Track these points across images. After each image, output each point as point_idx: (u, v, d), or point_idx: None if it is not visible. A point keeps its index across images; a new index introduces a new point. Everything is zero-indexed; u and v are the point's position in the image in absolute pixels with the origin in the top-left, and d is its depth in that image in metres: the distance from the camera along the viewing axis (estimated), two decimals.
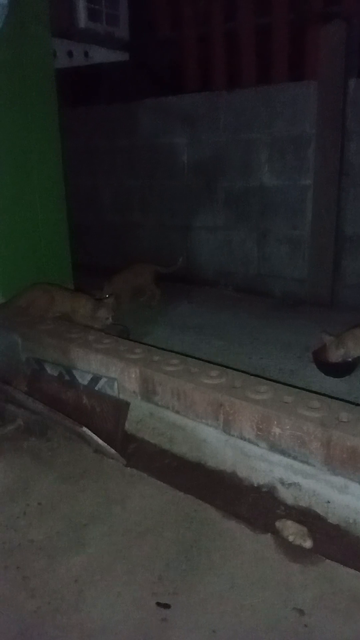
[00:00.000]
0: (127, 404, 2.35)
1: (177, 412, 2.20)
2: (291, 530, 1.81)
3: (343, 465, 1.74)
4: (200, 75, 4.50)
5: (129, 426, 2.39)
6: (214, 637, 1.46)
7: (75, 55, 3.45)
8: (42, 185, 3.15)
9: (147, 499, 2.01)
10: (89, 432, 2.17)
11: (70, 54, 3.43)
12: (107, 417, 2.34)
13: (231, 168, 4.15)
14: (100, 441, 2.17)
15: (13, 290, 3.06)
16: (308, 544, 1.76)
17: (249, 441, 1.98)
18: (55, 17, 3.09)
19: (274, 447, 1.91)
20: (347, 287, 3.79)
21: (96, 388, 2.43)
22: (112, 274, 3.64)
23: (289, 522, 1.84)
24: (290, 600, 1.57)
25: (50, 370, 2.62)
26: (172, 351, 2.51)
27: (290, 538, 1.78)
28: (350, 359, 2.59)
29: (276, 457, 1.92)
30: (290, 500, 1.93)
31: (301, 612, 1.52)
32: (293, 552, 1.74)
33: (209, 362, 2.38)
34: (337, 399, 1.99)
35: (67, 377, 2.54)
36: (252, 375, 2.20)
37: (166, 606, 1.55)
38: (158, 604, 1.56)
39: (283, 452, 1.89)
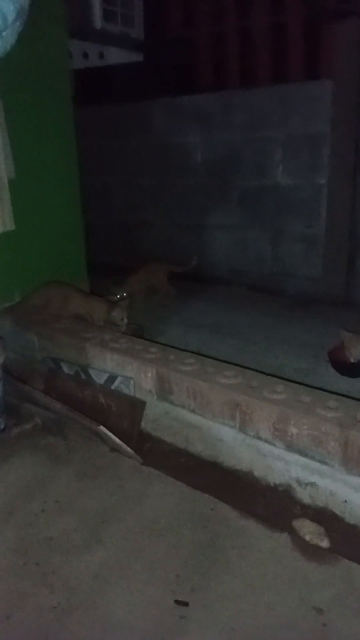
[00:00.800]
0: (143, 403, 2.36)
1: (193, 412, 2.21)
2: (308, 529, 1.81)
3: None
4: (214, 74, 4.50)
5: (145, 425, 2.40)
6: (233, 634, 1.47)
7: (91, 56, 3.47)
8: (58, 184, 3.18)
9: (164, 497, 2.03)
10: (106, 431, 2.18)
11: (85, 55, 3.45)
12: (123, 416, 2.36)
13: (245, 167, 4.14)
14: (116, 439, 2.19)
15: (29, 289, 3.08)
16: (325, 543, 1.77)
17: (266, 441, 1.98)
18: (71, 18, 3.11)
19: (290, 447, 1.91)
20: None
21: (112, 387, 2.45)
22: (126, 274, 3.65)
23: (306, 522, 1.84)
24: (308, 599, 1.57)
25: (66, 369, 2.64)
26: (187, 350, 2.52)
27: (307, 537, 1.79)
28: None
29: (293, 457, 1.93)
30: (306, 500, 1.93)
31: (320, 610, 1.53)
32: (310, 551, 1.75)
33: (224, 361, 2.38)
34: (354, 399, 1.99)
35: (83, 376, 2.56)
36: (268, 374, 2.21)
37: (185, 604, 1.56)
38: (177, 601, 1.57)
39: (300, 452, 1.89)
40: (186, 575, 1.67)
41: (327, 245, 3.84)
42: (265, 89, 4.00)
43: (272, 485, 2.02)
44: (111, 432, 2.22)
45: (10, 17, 1.90)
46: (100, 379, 2.48)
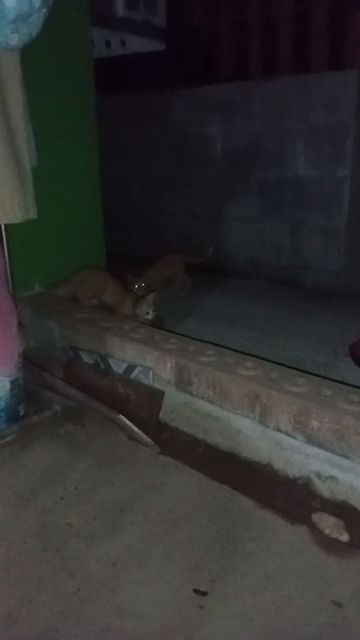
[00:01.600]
0: (162, 393, 2.36)
1: (212, 403, 2.21)
2: (328, 523, 1.80)
3: None
4: (235, 63, 4.45)
5: (163, 415, 2.40)
6: (251, 626, 1.47)
7: (113, 45, 3.45)
8: (79, 174, 3.18)
9: (182, 487, 2.03)
10: (125, 420, 2.19)
11: (107, 43, 3.43)
12: (142, 406, 2.36)
13: (266, 158, 4.10)
14: (135, 429, 2.19)
15: (50, 278, 3.09)
16: (345, 537, 1.76)
17: (286, 433, 1.97)
18: (93, 6, 3.10)
19: (311, 440, 1.90)
20: None
21: (131, 377, 2.45)
22: (144, 266, 3.65)
23: (326, 515, 1.83)
24: (327, 592, 1.56)
25: (85, 358, 2.65)
26: (206, 342, 2.52)
27: (327, 531, 1.78)
28: None
29: (313, 450, 1.91)
30: (326, 494, 1.92)
31: (339, 604, 1.52)
32: (329, 545, 1.74)
33: (244, 353, 2.37)
34: None
35: (102, 365, 2.56)
36: (288, 367, 2.19)
37: (204, 593, 1.56)
38: (196, 590, 1.57)
39: (320, 445, 1.88)
40: (205, 565, 1.67)
41: (347, 238, 3.80)
42: (287, 78, 3.95)
43: (291, 478, 2.01)
44: (129, 421, 2.22)
45: (37, 3, 1.89)
46: (119, 368, 2.49)
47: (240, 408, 2.10)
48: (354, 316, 3.34)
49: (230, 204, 4.41)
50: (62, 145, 3.04)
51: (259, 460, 2.10)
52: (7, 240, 2.51)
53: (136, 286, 3.27)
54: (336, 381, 2.06)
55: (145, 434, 2.24)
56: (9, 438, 2.32)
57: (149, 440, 2.21)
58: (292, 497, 1.96)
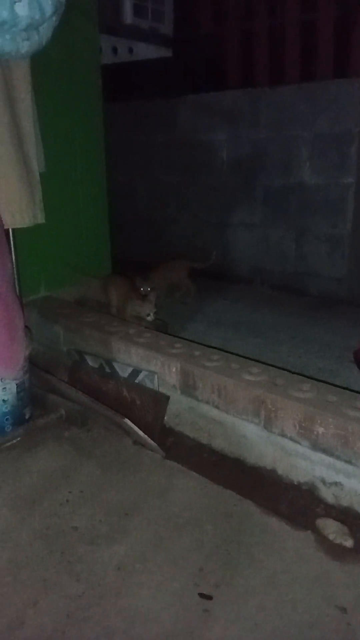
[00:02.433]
0: (167, 398, 2.37)
1: (217, 408, 2.22)
2: (332, 528, 1.80)
3: None
4: (242, 71, 4.48)
5: (168, 420, 2.41)
6: (256, 630, 1.48)
7: (120, 52, 3.49)
8: (86, 179, 3.20)
9: (187, 492, 2.04)
10: (130, 424, 2.20)
11: (115, 50, 3.47)
12: (147, 410, 2.37)
13: (271, 165, 4.12)
14: (141, 433, 2.20)
15: (55, 283, 3.11)
16: (349, 543, 1.76)
17: (291, 439, 1.98)
18: (100, 13, 3.13)
19: (316, 446, 1.91)
20: None
21: (136, 381, 2.46)
22: (148, 271, 3.67)
23: (330, 521, 1.83)
24: (332, 598, 1.57)
25: (91, 362, 2.66)
26: (211, 347, 2.53)
27: (331, 537, 1.78)
28: None
29: (318, 456, 1.92)
30: (330, 500, 1.92)
31: (344, 610, 1.52)
32: (334, 550, 1.74)
33: (249, 358, 2.38)
34: None
35: (107, 369, 2.57)
36: (293, 373, 2.20)
37: (209, 597, 1.57)
38: (201, 594, 1.58)
39: (325, 451, 1.89)
40: (210, 569, 1.68)
41: (352, 246, 3.81)
42: (293, 86, 3.97)
43: (295, 483, 2.01)
44: (134, 425, 2.23)
45: (48, 12, 1.91)
46: (124, 372, 2.50)
47: (245, 413, 2.11)
48: (358, 323, 3.34)
49: (235, 210, 4.43)
50: (70, 151, 3.07)
51: (263, 466, 2.11)
52: (14, 244, 2.53)
53: (142, 289, 3.29)
54: (341, 387, 2.07)
55: (150, 438, 2.25)
56: (14, 441, 2.33)
57: (154, 444, 2.22)
58: (296, 503, 1.97)
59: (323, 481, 1.93)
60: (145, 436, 2.20)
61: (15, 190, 2.25)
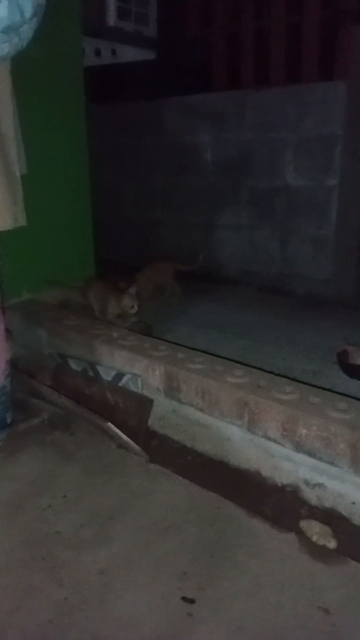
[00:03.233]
0: (151, 401, 2.36)
1: (201, 410, 2.21)
2: (315, 530, 1.81)
3: None
4: (228, 73, 4.49)
5: (152, 423, 2.40)
6: (240, 633, 1.47)
7: (103, 54, 3.48)
8: (69, 182, 3.19)
9: (171, 495, 2.03)
10: (113, 428, 2.19)
11: (98, 52, 3.46)
12: (131, 413, 2.36)
13: (256, 167, 4.14)
14: (124, 436, 2.19)
15: (38, 285, 3.09)
16: (332, 544, 1.76)
17: (274, 441, 1.98)
18: (84, 16, 3.12)
19: (299, 448, 1.91)
20: None
21: (120, 384, 2.45)
22: (134, 273, 3.66)
23: (314, 522, 1.84)
24: (316, 599, 1.57)
25: (74, 365, 2.65)
26: (196, 349, 2.52)
27: (315, 538, 1.78)
28: None
29: (301, 458, 1.92)
30: (314, 501, 1.93)
31: (327, 611, 1.52)
32: (317, 552, 1.74)
33: (233, 360, 2.38)
34: None
35: (91, 373, 2.56)
36: (277, 375, 2.20)
37: (192, 601, 1.56)
38: (184, 598, 1.57)
39: (308, 453, 1.89)
40: (193, 572, 1.67)
41: (337, 247, 3.84)
42: (278, 89, 3.99)
43: (279, 485, 2.02)
44: (118, 429, 2.22)
45: (28, 13, 1.90)
46: (107, 376, 2.49)
47: (229, 416, 2.10)
48: (343, 324, 3.36)
49: (221, 212, 4.44)
50: (52, 153, 3.05)
51: (247, 468, 2.11)
52: None
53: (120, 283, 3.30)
54: (324, 389, 2.08)
55: (134, 441, 2.24)
56: None
57: (137, 448, 2.21)
58: (280, 505, 1.97)
59: (306, 482, 1.94)
60: (129, 440, 2.19)
61: None
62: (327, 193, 3.80)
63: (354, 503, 1.83)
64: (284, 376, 2.20)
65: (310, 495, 1.94)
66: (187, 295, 3.93)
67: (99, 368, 2.53)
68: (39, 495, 2.02)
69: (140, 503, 1.99)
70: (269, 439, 2.00)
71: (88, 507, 1.96)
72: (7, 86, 2.20)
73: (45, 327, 2.81)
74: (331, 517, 1.87)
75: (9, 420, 2.40)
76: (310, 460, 1.90)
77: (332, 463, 1.84)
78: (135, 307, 2.94)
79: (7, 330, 2.32)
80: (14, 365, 2.48)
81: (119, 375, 2.46)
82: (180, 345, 2.59)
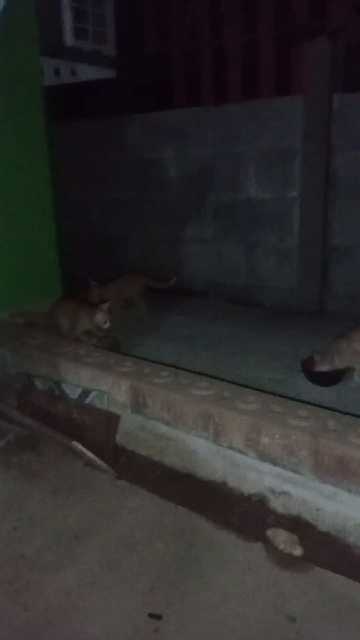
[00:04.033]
0: (118, 417, 2.36)
1: (167, 424, 2.22)
2: (282, 538, 1.82)
3: (331, 473, 1.77)
4: (188, 90, 4.55)
5: (120, 439, 2.39)
6: None
7: (63, 73, 3.50)
8: (31, 199, 3.18)
9: (138, 511, 2.02)
10: (79, 446, 2.17)
11: (57, 72, 3.48)
12: (98, 431, 2.35)
13: (219, 181, 4.20)
14: (90, 455, 2.18)
15: (3, 304, 3.07)
16: (298, 551, 1.78)
17: (239, 451, 1.99)
18: (42, 36, 3.15)
19: (263, 457, 1.93)
20: (334, 296, 3.84)
21: (86, 402, 2.44)
22: (104, 283, 3.66)
23: (280, 531, 1.85)
24: (281, 608, 1.58)
25: (40, 384, 2.63)
26: (162, 363, 2.53)
27: (281, 546, 1.80)
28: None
29: (266, 467, 1.94)
30: (280, 509, 1.94)
31: (293, 619, 1.53)
32: (284, 560, 1.75)
33: (199, 373, 2.40)
34: (325, 407, 2.02)
35: (57, 392, 2.54)
36: (241, 385, 2.23)
37: (158, 617, 1.55)
38: (150, 615, 1.56)
39: (272, 462, 1.91)
40: (160, 588, 1.66)
41: (300, 258, 3.91)
42: (237, 104, 4.07)
43: (246, 495, 2.03)
44: (85, 446, 2.21)
45: None
46: (74, 394, 2.48)
47: (195, 428, 2.11)
48: (308, 333, 3.42)
49: (187, 226, 4.48)
50: (13, 172, 3.05)
51: (214, 479, 2.11)
52: None
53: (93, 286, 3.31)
54: (287, 397, 2.11)
55: (102, 459, 2.23)
56: None
57: (105, 465, 2.20)
58: (247, 515, 1.97)
59: (272, 491, 1.96)
60: (95, 457, 2.18)
61: None
62: (289, 205, 3.87)
63: (318, 509, 1.85)
64: (248, 386, 2.23)
65: (276, 504, 1.95)
66: (156, 309, 3.94)
67: (64, 386, 2.52)
68: (3, 518, 1.99)
69: (107, 521, 1.97)
70: (233, 449, 2.01)
71: (54, 528, 1.94)
72: None
73: (10, 346, 2.78)
74: (297, 525, 1.89)
75: None
76: (275, 469, 1.92)
77: (295, 471, 1.86)
78: (108, 322, 2.94)
79: None
80: None
81: (85, 393, 2.45)
82: (147, 360, 2.60)
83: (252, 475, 1.99)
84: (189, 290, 4.49)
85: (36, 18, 3.01)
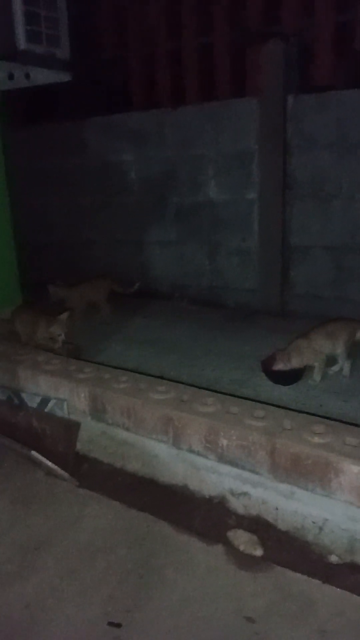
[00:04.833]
0: (78, 425, 2.34)
1: (128, 430, 2.21)
2: (242, 539, 1.83)
3: (288, 472, 1.78)
4: (146, 93, 4.55)
5: (81, 446, 2.37)
6: None
7: (17, 77, 3.44)
8: None
9: (100, 519, 2.01)
10: (38, 456, 2.15)
11: (11, 76, 3.41)
12: (58, 439, 2.33)
13: (180, 184, 4.21)
14: (50, 464, 2.15)
15: None
16: (259, 552, 1.79)
17: (198, 454, 2.00)
18: None
19: (222, 459, 1.93)
20: (295, 296, 3.88)
21: (46, 410, 2.41)
22: (70, 286, 3.62)
23: (240, 532, 1.86)
24: (241, 609, 1.59)
25: None
26: (122, 368, 2.52)
27: (241, 547, 1.81)
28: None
29: (225, 468, 1.95)
30: (240, 510, 1.95)
31: (252, 620, 1.54)
32: (244, 561, 1.77)
33: (160, 377, 2.40)
34: (282, 407, 2.04)
35: (16, 401, 2.51)
36: (200, 388, 2.23)
37: (118, 625, 1.54)
38: (109, 623, 1.55)
39: (231, 463, 1.92)
40: (121, 596, 1.65)
41: (261, 258, 3.94)
42: (195, 107, 4.09)
43: (207, 497, 2.03)
44: (46, 456, 2.18)
45: None
46: (33, 402, 2.44)
47: (155, 432, 2.11)
48: (271, 332, 3.45)
49: (150, 229, 4.48)
50: None
51: (175, 483, 2.11)
52: None
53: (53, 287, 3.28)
54: (245, 398, 2.12)
55: (64, 467, 2.20)
56: None
57: (65, 474, 2.18)
58: (209, 517, 1.98)
59: (232, 493, 1.96)
60: (56, 467, 2.16)
61: None
62: (248, 206, 3.90)
63: (277, 509, 1.87)
64: (207, 388, 2.23)
65: (237, 505, 1.96)
66: (120, 312, 3.92)
67: (23, 395, 2.48)
68: None
69: (68, 530, 1.95)
70: (193, 452, 2.01)
71: (14, 540, 1.91)
72: None
73: None
74: (257, 525, 1.90)
75: None
76: (234, 470, 1.93)
77: (253, 471, 1.87)
78: (63, 335, 2.88)
79: None
80: None
81: (45, 401, 2.42)
82: (107, 365, 2.58)
83: (213, 477, 2.00)
84: (154, 293, 4.49)
85: None
